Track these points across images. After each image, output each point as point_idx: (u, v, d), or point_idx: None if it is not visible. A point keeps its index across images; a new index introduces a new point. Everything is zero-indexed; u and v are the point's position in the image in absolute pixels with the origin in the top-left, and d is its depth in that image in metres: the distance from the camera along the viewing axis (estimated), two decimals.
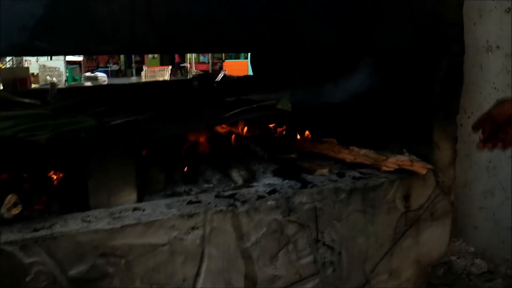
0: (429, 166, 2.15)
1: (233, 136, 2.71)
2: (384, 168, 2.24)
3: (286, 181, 2.18)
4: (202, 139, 2.67)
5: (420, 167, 2.15)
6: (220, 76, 3.47)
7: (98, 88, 4.09)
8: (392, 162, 2.22)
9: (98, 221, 1.65)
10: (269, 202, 1.89)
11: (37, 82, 10.25)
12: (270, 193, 1.97)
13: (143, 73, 10.76)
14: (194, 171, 2.28)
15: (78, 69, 13.45)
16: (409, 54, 2.30)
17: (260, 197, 1.91)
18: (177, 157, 2.40)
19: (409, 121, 2.46)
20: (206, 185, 2.17)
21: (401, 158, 2.21)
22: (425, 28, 2.20)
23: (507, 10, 2.35)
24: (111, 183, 1.80)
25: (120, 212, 1.74)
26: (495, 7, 2.41)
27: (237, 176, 2.16)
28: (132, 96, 2.78)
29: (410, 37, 2.16)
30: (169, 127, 1.92)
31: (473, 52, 2.46)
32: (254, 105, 2.01)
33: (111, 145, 1.81)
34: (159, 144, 2.30)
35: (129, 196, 1.85)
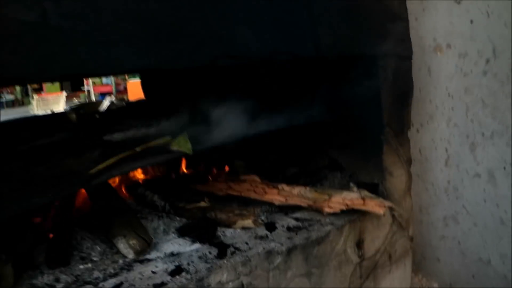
0: (387, 203, 1.60)
1: (122, 181, 2.04)
2: (327, 210, 1.67)
3: (196, 245, 1.55)
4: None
5: (375, 206, 1.60)
6: (105, 104, 2.76)
7: None
8: (338, 201, 1.65)
9: None
10: None
11: None
12: (173, 273, 1.33)
13: (34, 103, 9.59)
14: (64, 244, 1.59)
15: None
16: (348, 60, 1.76)
17: (158, 286, 1.27)
18: (40, 223, 1.71)
19: (352, 144, 1.92)
20: (82, 266, 1.50)
21: (349, 196, 1.65)
22: (367, 26, 1.66)
23: (457, 0, 1.87)
24: None
25: None
26: None
27: (126, 247, 1.51)
28: None
29: (348, 39, 1.61)
30: (7, 202, 1.22)
31: (418, 52, 1.96)
32: (139, 148, 1.36)
33: None
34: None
35: None
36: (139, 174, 2.12)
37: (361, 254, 1.71)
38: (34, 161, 1.56)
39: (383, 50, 1.73)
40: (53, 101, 9.25)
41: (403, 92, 1.84)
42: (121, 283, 1.30)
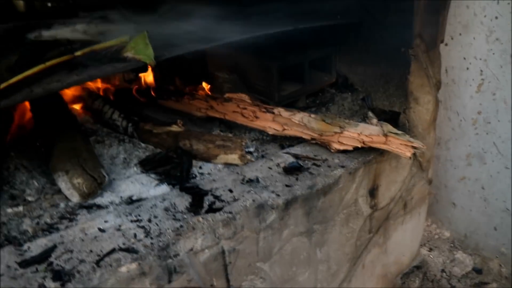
0: (417, 143, 1.21)
1: (76, 94, 1.62)
2: (335, 146, 1.29)
3: (163, 187, 1.17)
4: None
5: (401, 146, 1.21)
6: None
7: None
8: (351, 137, 1.26)
9: None
10: (122, 269, 0.87)
11: None
12: (127, 236, 0.95)
13: None
14: None
15: None
16: None
17: (102, 256, 0.89)
18: None
19: (369, 58, 1.51)
20: (10, 210, 1.11)
21: (367, 130, 1.25)
22: None
23: None
24: None
25: None
26: None
27: (68, 188, 1.12)
28: None
29: None
30: None
31: None
32: (80, 52, 0.93)
33: None
34: None
35: None
36: (98, 83, 1.69)
37: (374, 204, 1.36)
38: None
39: None
40: None
41: None
42: (54, 247, 0.92)
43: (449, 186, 1.83)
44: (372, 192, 1.34)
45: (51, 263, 0.88)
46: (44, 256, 0.89)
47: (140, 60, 0.96)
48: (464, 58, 1.67)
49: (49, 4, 2.09)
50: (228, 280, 1.05)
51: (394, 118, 1.45)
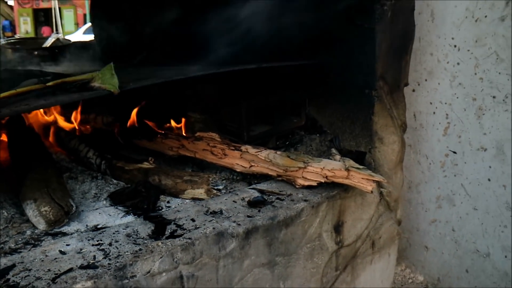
0: (378, 177, 1.25)
1: (52, 130, 1.67)
2: (300, 182, 1.32)
3: (129, 217, 1.20)
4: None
5: (362, 180, 1.25)
6: (50, 40, 2.36)
7: None
8: (315, 171, 1.30)
9: None
10: (77, 286, 0.89)
11: None
12: (86, 258, 0.97)
13: None
14: None
15: None
16: None
17: (59, 274, 0.91)
18: None
19: (336, 100, 1.57)
20: None
21: (330, 165, 1.30)
22: None
23: None
24: None
25: None
26: None
27: (35, 215, 1.15)
28: None
29: None
30: None
31: None
32: (51, 83, 0.99)
33: None
34: None
35: None
36: (75, 125, 1.74)
37: (340, 240, 1.38)
38: None
39: None
40: None
41: (402, 35, 1.48)
42: (13, 266, 0.94)
43: (421, 229, 1.86)
44: (337, 228, 1.36)
45: (8, 280, 0.90)
46: (2, 273, 0.91)
47: (106, 88, 1.01)
48: (431, 103, 1.73)
49: (36, 53, 2.19)
50: None
51: (360, 158, 1.50)
